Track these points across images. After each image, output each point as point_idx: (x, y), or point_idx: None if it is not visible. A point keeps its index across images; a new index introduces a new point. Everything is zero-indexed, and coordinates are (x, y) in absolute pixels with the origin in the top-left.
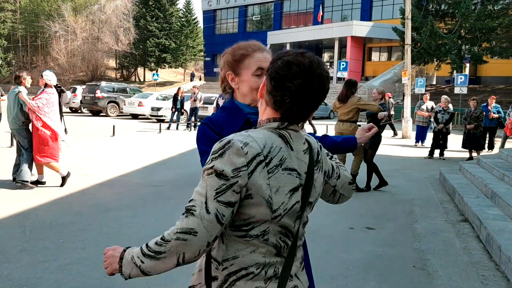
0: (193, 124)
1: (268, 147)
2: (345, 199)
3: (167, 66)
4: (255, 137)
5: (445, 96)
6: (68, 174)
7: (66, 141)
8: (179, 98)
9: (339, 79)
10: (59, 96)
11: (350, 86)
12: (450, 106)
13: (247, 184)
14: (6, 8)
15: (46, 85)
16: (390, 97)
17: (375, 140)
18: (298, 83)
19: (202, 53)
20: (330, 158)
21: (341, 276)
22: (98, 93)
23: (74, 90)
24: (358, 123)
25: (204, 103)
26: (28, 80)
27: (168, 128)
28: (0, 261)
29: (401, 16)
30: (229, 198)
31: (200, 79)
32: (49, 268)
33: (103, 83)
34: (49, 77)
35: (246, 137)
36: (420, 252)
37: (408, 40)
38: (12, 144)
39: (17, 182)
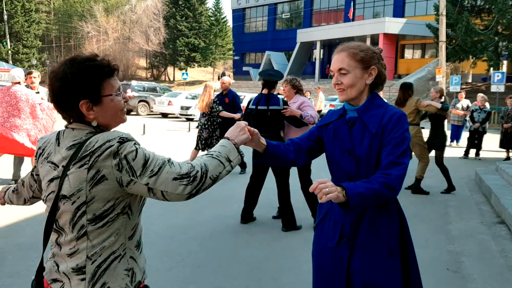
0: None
1: (46, 142)
2: (174, 196)
3: (196, 65)
4: (49, 134)
5: (482, 94)
6: None
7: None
8: None
9: None
10: None
11: (406, 89)
12: (487, 104)
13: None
14: (40, 10)
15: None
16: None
17: (441, 140)
18: None
19: (231, 52)
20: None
21: None
22: (129, 92)
23: None
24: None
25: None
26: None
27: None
28: (34, 257)
29: (435, 13)
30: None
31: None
32: None
33: (134, 83)
34: (13, 73)
35: (50, 133)
36: (454, 255)
37: (442, 37)
38: None
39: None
